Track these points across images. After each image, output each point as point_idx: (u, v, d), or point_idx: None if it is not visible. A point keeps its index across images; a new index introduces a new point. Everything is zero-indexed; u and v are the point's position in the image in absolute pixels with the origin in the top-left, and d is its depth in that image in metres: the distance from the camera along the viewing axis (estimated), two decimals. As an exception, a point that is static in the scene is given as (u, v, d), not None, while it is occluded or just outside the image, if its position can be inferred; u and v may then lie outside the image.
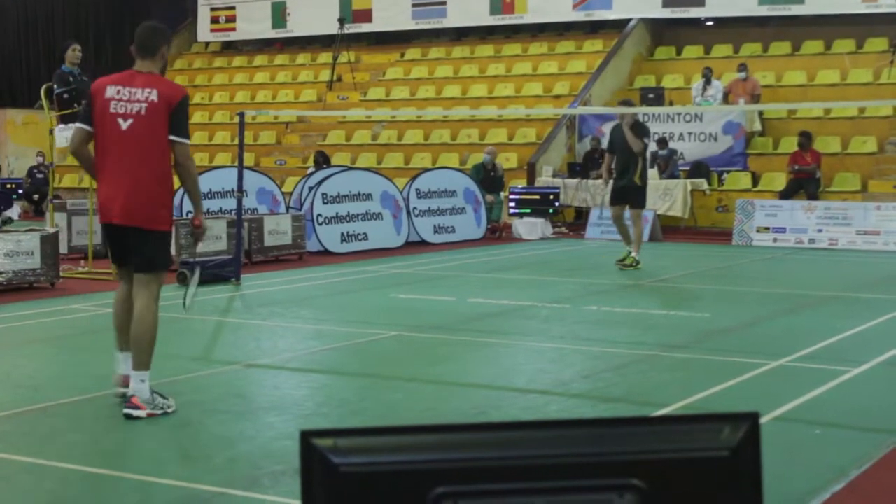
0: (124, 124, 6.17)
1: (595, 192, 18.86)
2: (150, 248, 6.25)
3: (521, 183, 20.12)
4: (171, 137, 6.20)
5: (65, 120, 12.54)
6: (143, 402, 6.10)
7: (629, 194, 13.70)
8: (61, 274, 12.09)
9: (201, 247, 11.41)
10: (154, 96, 6.17)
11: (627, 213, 13.87)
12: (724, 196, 19.54)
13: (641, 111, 15.18)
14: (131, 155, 6.18)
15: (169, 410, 6.20)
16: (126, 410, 6.11)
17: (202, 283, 9.82)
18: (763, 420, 2.47)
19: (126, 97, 6.19)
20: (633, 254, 13.72)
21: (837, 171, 19.29)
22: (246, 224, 13.71)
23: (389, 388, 7.18)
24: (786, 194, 18.35)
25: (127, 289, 6.42)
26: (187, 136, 6.30)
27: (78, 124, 6.51)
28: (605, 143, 19.04)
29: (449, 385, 7.21)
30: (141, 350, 6.17)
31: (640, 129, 13.68)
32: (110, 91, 6.23)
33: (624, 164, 13.72)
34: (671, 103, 20.98)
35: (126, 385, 6.26)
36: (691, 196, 19.02)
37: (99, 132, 6.28)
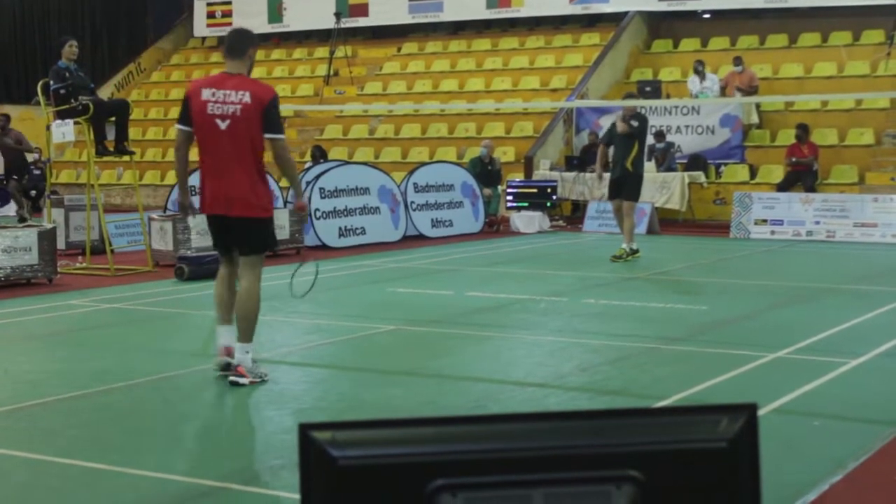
0: (222, 124, 6.66)
1: (592, 185, 18.85)
2: (255, 233, 6.84)
3: (518, 176, 20.11)
4: (267, 136, 6.70)
5: (61, 116, 12.50)
6: (248, 371, 6.77)
7: (623, 184, 13.70)
8: (59, 270, 12.09)
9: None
10: (247, 98, 6.64)
11: None
12: (721, 189, 19.53)
13: (638, 104, 15.15)
14: (230, 152, 6.68)
15: (266, 378, 6.83)
16: (232, 378, 6.73)
17: (204, 278, 9.84)
18: (761, 412, 2.47)
19: (221, 99, 6.66)
20: (624, 245, 13.75)
21: (834, 163, 19.28)
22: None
23: (388, 381, 7.19)
24: (783, 187, 18.34)
25: (228, 271, 7.01)
26: (281, 132, 6.83)
27: (178, 126, 6.97)
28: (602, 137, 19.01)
29: (447, 378, 7.21)
30: (247, 325, 6.81)
31: (633, 117, 13.70)
32: (206, 94, 6.71)
33: (617, 155, 13.79)
34: (668, 96, 20.96)
35: (228, 354, 6.78)
36: (689, 189, 19.02)
37: (199, 133, 6.78)
